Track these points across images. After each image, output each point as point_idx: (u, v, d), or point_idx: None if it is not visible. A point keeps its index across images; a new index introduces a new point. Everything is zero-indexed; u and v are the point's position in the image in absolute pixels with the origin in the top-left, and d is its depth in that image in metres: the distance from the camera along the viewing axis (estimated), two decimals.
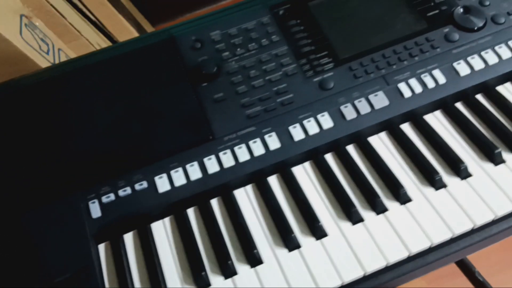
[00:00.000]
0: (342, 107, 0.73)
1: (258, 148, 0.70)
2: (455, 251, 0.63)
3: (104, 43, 1.56)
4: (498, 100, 0.74)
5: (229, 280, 0.62)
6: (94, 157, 0.70)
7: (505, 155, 0.69)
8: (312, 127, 0.71)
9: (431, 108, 0.75)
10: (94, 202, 0.68)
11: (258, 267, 0.63)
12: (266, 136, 0.71)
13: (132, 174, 0.69)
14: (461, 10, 0.79)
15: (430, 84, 0.74)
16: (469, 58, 0.76)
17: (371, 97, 0.73)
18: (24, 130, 0.73)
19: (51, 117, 0.73)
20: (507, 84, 0.77)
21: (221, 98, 0.74)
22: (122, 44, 0.80)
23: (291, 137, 0.71)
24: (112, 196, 0.68)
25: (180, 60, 0.77)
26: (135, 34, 1.98)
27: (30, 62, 0.96)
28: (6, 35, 0.92)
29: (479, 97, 0.76)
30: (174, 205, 0.68)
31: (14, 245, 0.65)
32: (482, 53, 0.76)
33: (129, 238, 0.68)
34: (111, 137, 0.71)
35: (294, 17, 0.80)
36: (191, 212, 0.69)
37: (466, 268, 1.20)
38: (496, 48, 0.76)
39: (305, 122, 0.72)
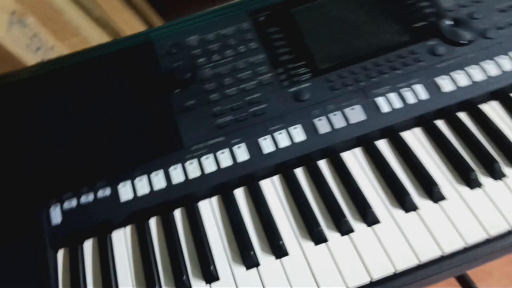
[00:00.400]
0: (315, 120, 0.70)
1: (225, 160, 0.68)
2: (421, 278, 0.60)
3: (108, 39, 1.55)
4: (482, 120, 0.71)
5: None
6: (58, 164, 0.69)
7: (483, 178, 0.65)
8: (283, 140, 0.69)
9: (410, 125, 0.71)
10: (55, 209, 0.67)
11: (214, 284, 0.61)
12: (235, 147, 0.69)
13: (95, 181, 0.68)
14: (449, 22, 0.76)
15: (411, 99, 0.71)
16: (454, 74, 0.72)
17: (347, 110, 0.70)
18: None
19: (17, 121, 0.72)
20: (493, 103, 0.73)
21: (192, 106, 0.72)
22: (98, 46, 0.79)
23: (260, 149, 0.69)
24: (73, 203, 0.67)
25: (155, 65, 0.76)
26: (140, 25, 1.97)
27: (15, 60, 0.96)
28: None
29: (462, 115, 0.72)
30: (135, 214, 0.67)
31: None
32: (468, 68, 0.72)
33: (88, 246, 0.67)
34: (78, 143, 0.70)
35: (274, 23, 0.78)
36: (153, 222, 0.68)
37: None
38: (483, 64, 0.72)
39: (276, 134, 0.70)
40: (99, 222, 0.66)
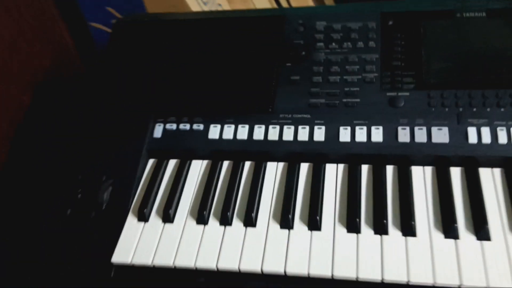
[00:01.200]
0: (399, 127, 0.73)
1: (303, 134, 0.75)
2: None
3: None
4: None
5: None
6: (173, 94, 0.83)
7: None
8: (361, 135, 0.73)
9: (490, 163, 0.70)
10: (160, 126, 0.81)
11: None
12: (316, 127, 0.75)
13: (195, 116, 0.80)
14: None
15: (502, 139, 0.69)
16: None
17: (434, 129, 0.72)
18: (144, 53, 0.88)
19: (163, 50, 0.87)
20: None
21: (295, 81, 0.80)
22: (242, 11, 0.91)
23: (338, 136, 0.74)
24: (174, 127, 0.80)
25: (279, 37, 0.85)
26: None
27: (184, 5, 1.13)
28: None
29: None
30: (214, 152, 0.78)
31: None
32: None
33: (172, 163, 0.80)
34: (193, 81, 0.83)
35: (401, 30, 0.80)
36: (225, 164, 0.78)
37: None
38: None
39: (357, 128, 0.74)
40: (186, 148, 0.78)
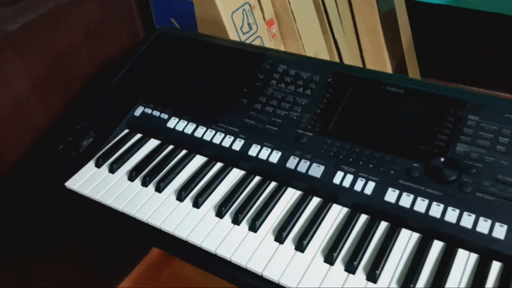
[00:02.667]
0: (291, 156, 0.93)
1: (227, 142, 0.99)
2: None
3: (324, 55, 1.87)
4: None
5: None
6: (166, 89, 1.11)
7: None
8: (264, 153, 0.95)
9: (343, 203, 0.87)
10: (141, 107, 1.10)
11: None
12: (237, 139, 0.98)
13: (166, 108, 1.08)
14: (442, 159, 0.85)
15: (358, 186, 0.86)
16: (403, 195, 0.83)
17: (314, 164, 0.90)
18: (166, 56, 1.17)
19: (177, 59, 1.16)
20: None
21: (242, 102, 1.03)
22: (242, 44, 1.16)
23: (249, 150, 0.96)
24: (149, 111, 1.09)
25: (248, 68, 1.09)
26: (387, 70, 2.23)
27: (223, 31, 1.42)
28: (220, 8, 1.39)
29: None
30: (165, 136, 1.04)
31: None
32: (420, 200, 0.82)
33: (137, 136, 1.08)
34: (182, 86, 1.11)
35: (334, 87, 1.00)
36: (170, 147, 1.04)
37: None
38: (437, 204, 0.80)
39: (264, 148, 0.96)
40: (150, 128, 1.06)
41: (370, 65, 2.27)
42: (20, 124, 1.18)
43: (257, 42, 1.54)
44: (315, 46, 1.82)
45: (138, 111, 1.10)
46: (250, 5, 1.49)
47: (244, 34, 1.48)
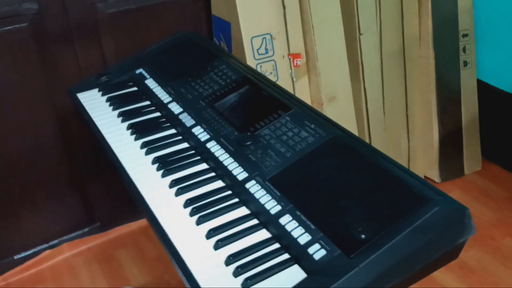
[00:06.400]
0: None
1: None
2: None
3: (345, 98, 2.23)
4: None
5: None
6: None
7: None
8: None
9: None
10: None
11: None
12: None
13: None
14: (248, 134, 1.27)
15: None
16: None
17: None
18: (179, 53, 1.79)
19: (185, 58, 1.79)
20: None
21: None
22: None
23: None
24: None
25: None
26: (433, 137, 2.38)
27: (242, 51, 1.96)
28: (243, 32, 1.95)
29: None
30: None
31: None
32: None
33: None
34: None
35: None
36: None
37: None
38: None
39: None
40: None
41: (415, 126, 2.44)
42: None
43: (270, 64, 2.05)
44: (335, 88, 2.20)
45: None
46: (271, 36, 2.02)
47: (259, 55, 2.01)
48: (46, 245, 2.12)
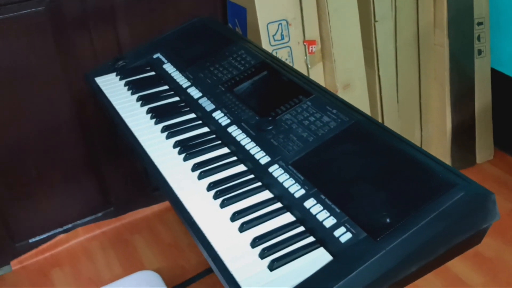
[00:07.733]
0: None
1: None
2: None
3: (360, 85, 2.22)
4: None
5: None
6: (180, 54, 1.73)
7: None
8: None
9: None
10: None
11: None
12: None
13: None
14: (270, 118, 1.28)
15: None
16: None
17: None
18: (194, 38, 1.79)
19: (200, 42, 1.78)
20: None
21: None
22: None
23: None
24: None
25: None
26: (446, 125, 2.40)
27: (258, 35, 1.96)
28: (259, 17, 1.95)
29: None
30: None
31: None
32: None
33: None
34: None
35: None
36: None
37: None
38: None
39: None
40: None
41: (428, 115, 2.43)
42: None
43: (285, 51, 2.05)
44: (350, 75, 2.19)
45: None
46: (287, 22, 2.01)
47: (275, 41, 2.01)
48: (60, 229, 2.14)
